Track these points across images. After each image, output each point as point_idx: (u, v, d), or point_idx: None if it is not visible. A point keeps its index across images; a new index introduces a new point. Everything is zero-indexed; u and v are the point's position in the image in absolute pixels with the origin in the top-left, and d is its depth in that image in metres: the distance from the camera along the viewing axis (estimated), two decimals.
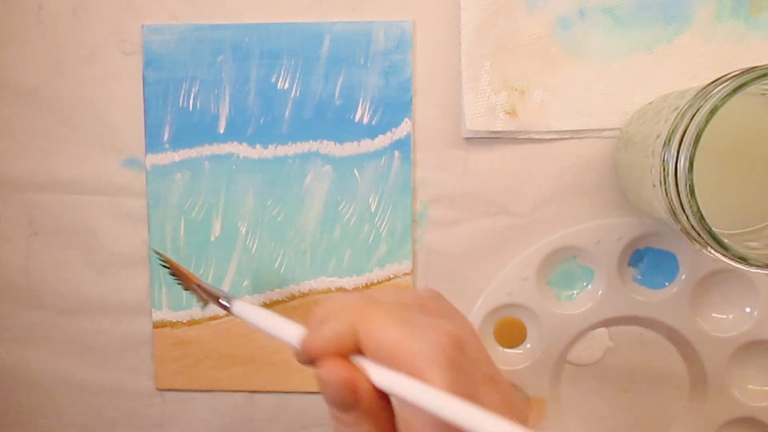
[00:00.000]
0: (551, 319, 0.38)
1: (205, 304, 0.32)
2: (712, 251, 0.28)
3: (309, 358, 0.23)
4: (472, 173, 0.38)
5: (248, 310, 0.28)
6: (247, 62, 0.38)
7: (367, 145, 0.38)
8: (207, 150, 0.39)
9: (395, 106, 0.38)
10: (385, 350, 0.21)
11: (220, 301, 0.30)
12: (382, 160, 0.38)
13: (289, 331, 0.24)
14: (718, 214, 0.29)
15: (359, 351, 0.22)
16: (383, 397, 0.22)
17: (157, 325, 0.40)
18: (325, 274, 0.39)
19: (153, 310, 0.40)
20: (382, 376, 0.22)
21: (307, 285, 0.39)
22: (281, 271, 0.39)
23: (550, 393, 0.39)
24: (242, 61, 0.38)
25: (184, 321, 0.40)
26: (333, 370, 0.22)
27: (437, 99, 0.38)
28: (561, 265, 0.38)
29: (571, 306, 0.38)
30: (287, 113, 0.38)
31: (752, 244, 0.30)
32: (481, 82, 0.37)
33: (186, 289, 0.34)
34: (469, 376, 0.21)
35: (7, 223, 0.40)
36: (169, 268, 0.35)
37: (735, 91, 0.26)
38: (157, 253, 0.34)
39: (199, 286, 0.33)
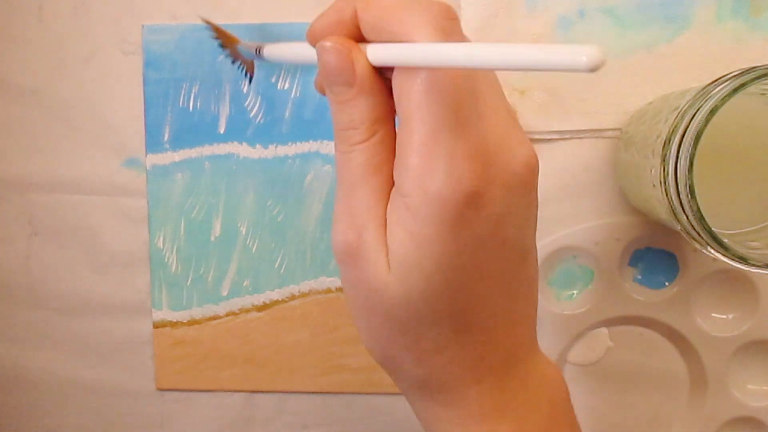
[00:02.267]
0: (551, 319, 0.38)
1: (246, 68, 0.34)
2: (712, 251, 0.28)
3: (314, 41, 0.23)
4: None
5: (277, 49, 0.30)
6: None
7: None
8: (207, 150, 0.39)
9: None
10: (380, 20, 0.22)
11: (256, 53, 0.31)
12: None
13: (306, 46, 0.25)
14: (718, 214, 0.29)
15: (360, 40, 0.23)
16: (379, 76, 0.23)
17: (157, 325, 0.40)
18: (325, 274, 0.39)
19: (153, 310, 0.40)
20: (376, 49, 0.22)
21: (307, 285, 0.39)
22: (281, 271, 0.39)
23: None
24: None
25: (184, 321, 0.40)
26: (331, 39, 0.22)
27: None
28: (561, 265, 0.38)
29: (571, 306, 0.38)
30: (287, 113, 0.38)
31: (752, 244, 0.30)
32: None
33: (227, 54, 0.35)
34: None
35: (7, 223, 0.40)
36: (213, 31, 0.35)
37: (735, 91, 0.26)
38: (205, 20, 0.34)
39: (237, 48, 0.34)
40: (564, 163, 0.38)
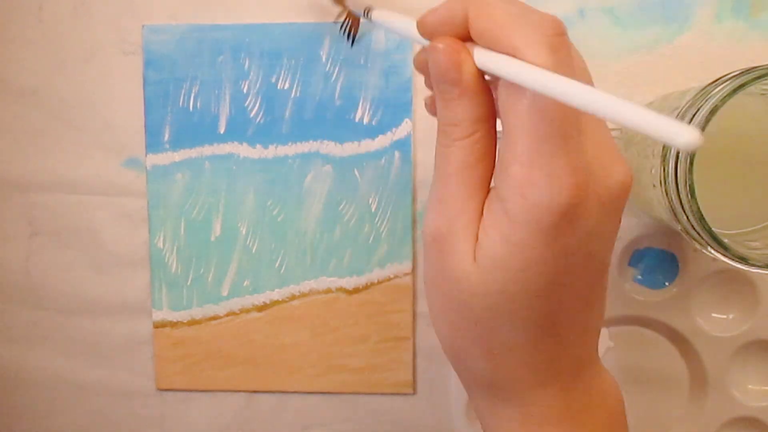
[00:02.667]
0: None
1: (351, 27, 0.36)
2: (712, 251, 0.28)
3: (425, 35, 0.24)
4: None
5: (385, 16, 0.31)
6: (247, 62, 0.38)
7: (368, 145, 0.38)
8: (207, 150, 0.39)
9: (395, 106, 0.38)
10: (490, 31, 0.22)
11: (364, 13, 0.32)
12: (383, 160, 0.38)
13: (413, 27, 0.26)
14: (718, 214, 0.29)
15: (469, 39, 0.23)
16: (484, 80, 0.24)
17: (157, 325, 0.40)
18: (325, 274, 0.39)
19: (153, 310, 0.40)
20: (483, 55, 0.23)
21: (307, 285, 0.39)
22: (281, 271, 0.39)
23: None
24: (242, 61, 0.38)
25: (184, 321, 0.40)
26: (443, 41, 0.23)
27: None
28: None
29: None
30: (287, 113, 0.38)
31: (752, 244, 0.30)
32: None
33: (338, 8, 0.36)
34: (569, 69, 0.22)
35: (7, 223, 0.40)
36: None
37: (735, 91, 0.26)
38: None
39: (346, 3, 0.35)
40: None
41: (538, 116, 0.21)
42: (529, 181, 0.22)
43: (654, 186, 0.30)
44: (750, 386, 0.38)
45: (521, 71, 0.21)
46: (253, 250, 0.39)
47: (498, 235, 0.23)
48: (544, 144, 0.21)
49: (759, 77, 0.26)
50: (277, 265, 0.39)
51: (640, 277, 0.38)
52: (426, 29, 0.24)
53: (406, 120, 0.38)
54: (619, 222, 0.25)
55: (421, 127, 0.38)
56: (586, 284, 0.25)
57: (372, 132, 0.38)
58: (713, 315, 0.38)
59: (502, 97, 0.23)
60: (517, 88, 0.22)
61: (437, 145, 0.25)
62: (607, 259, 0.25)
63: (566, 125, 0.21)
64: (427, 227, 0.25)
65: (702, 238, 0.28)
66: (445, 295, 0.25)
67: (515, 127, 0.22)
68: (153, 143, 0.39)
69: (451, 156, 0.24)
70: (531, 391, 0.25)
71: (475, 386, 0.27)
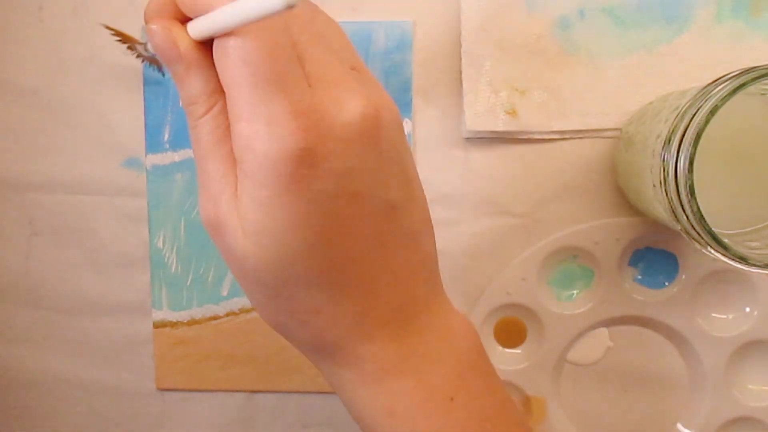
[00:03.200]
0: (551, 319, 0.38)
1: (154, 64, 0.34)
2: (712, 251, 0.28)
3: (146, 21, 0.24)
4: (472, 173, 0.38)
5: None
6: None
7: None
8: None
9: None
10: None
11: (145, 49, 0.32)
12: None
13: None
14: (718, 214, 0.29)
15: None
16: (205, 50, 0.23)
17: (157, 325, 0.40)
18: None
19: (153, 310, 0.40)
20: (191, 24, 0.23)
21: None
22: None
23: (550, 393, 0.39)
24: None
25: (184, 321, 0.40)
26: (156, 22, 0.23)
27: (437, 99, 0.38)
28: (561, 265, 0.38)
29: (571, 306, 0.38)
30: None
31: (752, 244, 0.30)
32: (481, 82, 0.37)
33: (135, 55, 0.35)
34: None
35: (7, 223, 0.40)
36: (117, 36, 0.35)
37: (735, 91, 0.26)
38: (106, 26, 0.35)
39: (136, 47, 0.34)
40: (564, 163, 0.38)
41: (244, 67, 0.21)
42: (252, 134, 0.21)
43: (654, 186, 0.30)
44: (750, 386, 0.38)
45: (208, 20, 0.22)
46: None
47: (247, 198, 0.22)
48: (258, 93, 0.21)
49: (759, 77, 0.26)
50: None
51: (640, 277, 0.38)
52: (148, 18, 0.24)
53: (406, 120, 0.38)
54: (389, 156, 0.24)
55: (421, 127, 0.38)
56: (368, 228, 0.24)
57: None
58: (713, 315, 0.38)
59: (215, 61, 0.22)
60: (221, 44, 0.22)
61: (189, 128, 0.24)
62: (391, 197, 0.24)
63: (280, 70, 0.21)
64: (201, 215, 0.24)
65: (702, 238, 0.28)
66: (241, 277, 0.24)
67: (230, 85, 0.22)
68: (153, 143, 0.39)
69: (199, 135, 0.23)
70: (357, 348, 0.25)
71: (310, 355, 0.26)
